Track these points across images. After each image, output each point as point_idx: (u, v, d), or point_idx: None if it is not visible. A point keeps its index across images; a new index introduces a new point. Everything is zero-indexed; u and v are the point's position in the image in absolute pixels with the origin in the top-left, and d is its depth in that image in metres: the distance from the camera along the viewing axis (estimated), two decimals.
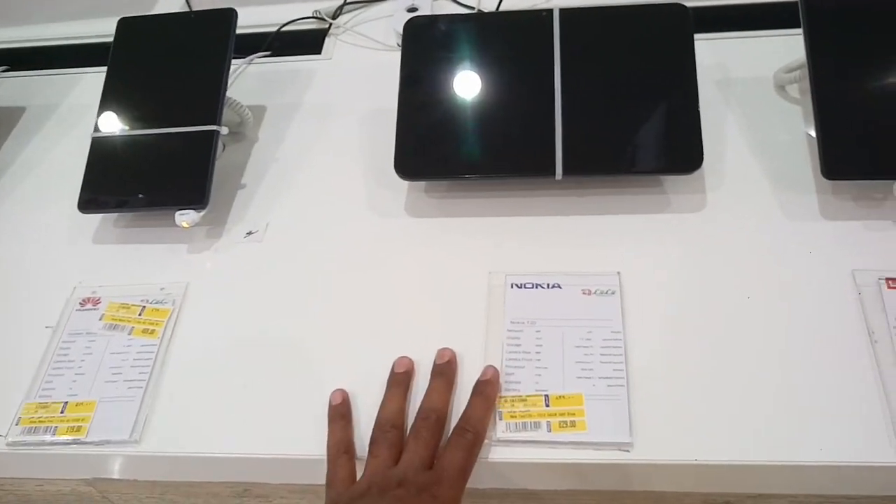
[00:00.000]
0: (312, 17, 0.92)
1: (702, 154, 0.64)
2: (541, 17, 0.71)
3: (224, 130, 0.71)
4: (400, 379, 0.57)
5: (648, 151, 0.65)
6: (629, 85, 0.67)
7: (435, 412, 0.54)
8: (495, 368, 0.57)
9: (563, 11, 0.71)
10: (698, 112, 0.65)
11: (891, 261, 0.61)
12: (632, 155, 0.65)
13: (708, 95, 0.75)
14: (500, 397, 0.56)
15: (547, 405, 0.56)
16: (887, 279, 0.60)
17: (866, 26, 0.66)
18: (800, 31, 0.67)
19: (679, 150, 0.65)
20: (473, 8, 0.90)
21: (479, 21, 0.73)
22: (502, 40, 0.71)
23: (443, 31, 0.72)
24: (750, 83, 0.76)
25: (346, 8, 0.93)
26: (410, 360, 0.59)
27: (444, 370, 0.57)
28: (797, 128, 0.72)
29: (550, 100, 0.67)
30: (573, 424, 0.55)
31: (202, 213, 0.68)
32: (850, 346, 0.57)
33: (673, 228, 0.66)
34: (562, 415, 0.55)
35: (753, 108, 0.74)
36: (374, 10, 0.93)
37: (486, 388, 0.55)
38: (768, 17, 0.83)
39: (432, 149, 0.68)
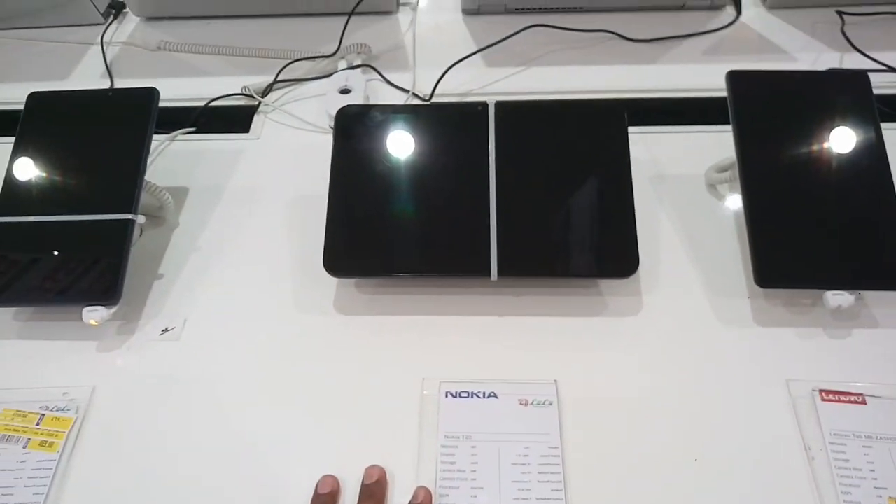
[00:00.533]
0: (241, 94, 0.89)
1: (637, 259, 0.64)
2: (476, 112, 0.70)
3: (141, 219, 0.67)
4: (323, 500, 0.53)
5: (584, 254, 0.64)
6: (566, 185, 0.66)
7: None
8: (427, 490, 0.54)
9: (498, 105, 0.70)
10: (634, 217, 0.65)
11: (823, 371, 0.61)
12: (567, 257, 0.64)
13: (642, 191, 0.75)
14: None
15: None
16: (821, 391, 0.60)
17: (796, 133, 0.67)
18: (730, 128, 0.68)
19: (615, 255, 0.64)
20: (408, 91, 0.89)
21: (415, 113, 0.71)
22: (437, 134, 0.69)
23: (376, 122, 0.70)
24: (682, 180, 0.77)
25: (277, 85, 0.90)
26: (335, 478, 0.55)
27: (374, 491, 0.54)
28: (728, 230, 0.72)
29: (485, 198, 0.66)
30: None
31: (113, 309, 0.63)
32: (788, 462, 0.56)
33: (609, 332, 0.65)
34: None
35: (686, 206, 0.74)
36: (305, 88, 0.91)
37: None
38: (698, 112, 0.85)
39: (363, 246, 0.65)
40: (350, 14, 0.95)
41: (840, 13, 0.95)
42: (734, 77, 0.70)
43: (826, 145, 0.67)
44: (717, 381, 0.61)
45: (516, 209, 0.65)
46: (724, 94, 0.70)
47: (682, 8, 0.99)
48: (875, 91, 0.69)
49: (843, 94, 0.69)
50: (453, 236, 0.65)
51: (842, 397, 0.59)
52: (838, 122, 0.68)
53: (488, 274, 0.63)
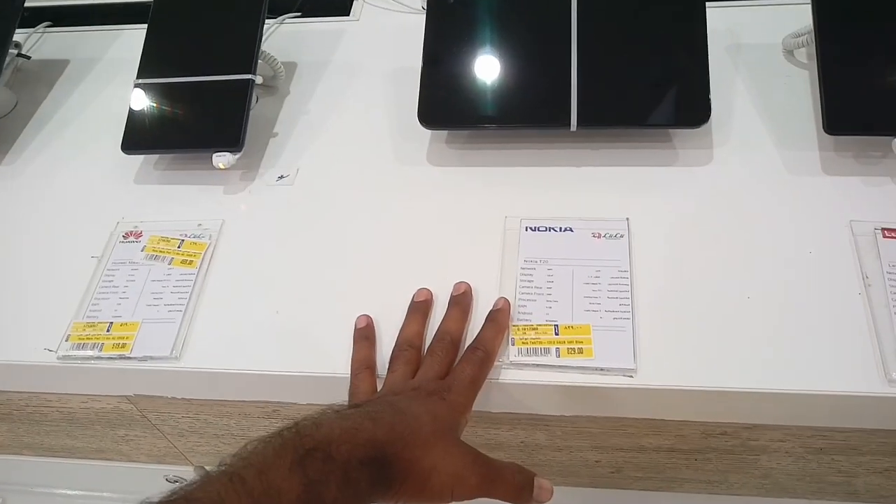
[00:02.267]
0: None
1: (709, 109, 0.68)
2: None
3: (258, 80, 0.75)
4: (419, 306, 0.62)
5: (660, 105, 0.69)
6: (643, 42, 0.71)
7: (450, 334, 0.59)
8: (506, 299, 0.61)
9: None
10: (707, 70, 0.69)
11: (888, 213, 0.65)
12: (644, 109, 0.69)
13: (718, 60, 0.78)
14: (513, 325, 0.60)
15: (556, 333, 0.60)
16: (883, 229, 0.63)
17: None
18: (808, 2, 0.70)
19: (688, 105, 0.68)
20: None
21: None
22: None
23: None
24: (759, 49, 0.80)
25: None
26: (429, 290, 0.63)
27: (460, 300, 0.62)
28: (804, 90, 0.75)
29: (567, 55, 0.71)
30: (580, 351, 0.59)
31: (238, 155, 0.73)
32: (845, 288, 0.60)
33: (680, 180, 0.70)
34: (570, 342, 0.59)
35: (762, 71, 0.77)
36: None
37: (498, 316, 0.60)
38: None
39: (454, 100, 0.72)
40: None
41: None
42: None
43: None
44: (782, 221, 0.65)
45: (596, 64, 0.70)
46: None
47: None
48: None
49: None
50: (536, 90, 0.71)
51: None
52: None
53: (568, 125, 0.69)
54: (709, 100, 0.68)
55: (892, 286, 0.60)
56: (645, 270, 0.63)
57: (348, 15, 0.94)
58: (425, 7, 0.77)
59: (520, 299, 0.62)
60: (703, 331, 0.59)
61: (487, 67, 0.72)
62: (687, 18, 0.71)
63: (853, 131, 0.66)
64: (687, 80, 0.69)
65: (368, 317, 0.62)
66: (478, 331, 0.59)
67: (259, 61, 0.78)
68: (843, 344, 0.57)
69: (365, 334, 0.61)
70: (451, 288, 0.63)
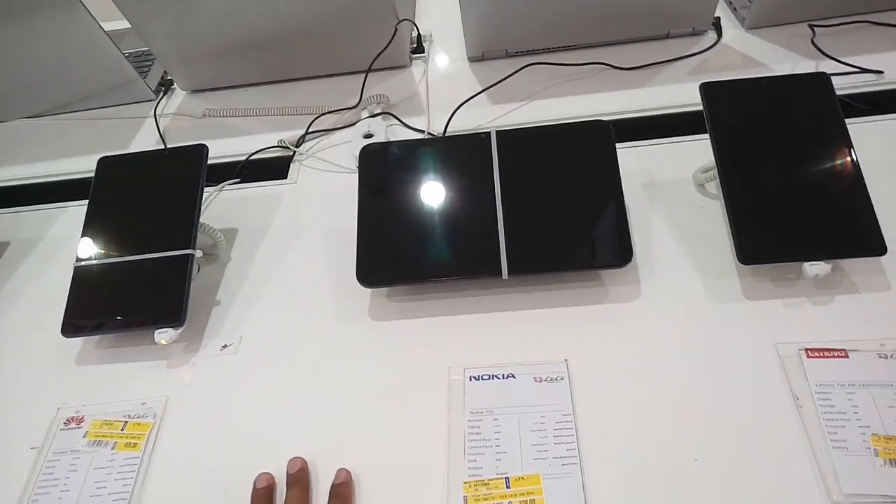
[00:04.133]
0: (278, 147, 1.01)
1: (631, 249, 0.72)
2: (480, 139, 0.80)
3: (199, 253, 0.77)
4: (261, 493, 0.62)
5: (583, 250, 0.72)
6: (562, 193, 0.75)
7: None
8: (348, 471, 0.63)
9: (499, 133, 0.80)
10: (625, 212, 0.73)
11: (809, 333, 0.68)
12: (568, 253, 0.73)
13: (636, 197, 0.84)
14: (465, 482, 0.61)
15: (508, 487, 0.60)
16: (807, 349, 0.66)
17: (765, 127, 0.76)
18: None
19: (611, 247, 0.72)
20: (423, 131, 1.00)
21: (427, 145, 0.82)
22: (448, 160, 0.79)
23: (395, 155, 0.81)
24: (673, 184, 0.85)
25: (309, 137, 1.02)
26: (270, 475, 0.64)
27: (300, 477, 0.62)
28: (718, 221, 0.80)
29: (493, 210, 0.75)
30: (533, 503, 0.59)
31: (180, 330, 0.73)
32: (778, 413, 0.63)
33: (612, 316, 0.73)
34: (522, 494, 0.60)
35: (677, 205, 0.83)
36: (334, 137, 1.02)
37: (342, 489, 0.61)
38: (686, 125, 0.93)
39: (390, 259, 0.75)
40: (368, 71, 1.06)
41: (811, 26, 1.04)
42: (706, 87, 0.79)
43: (793, 135, 0.75)
44: (711, 349, 0.68)
45: (520, 217, 0.74)
46: None
47: (667, 36, 1.09)
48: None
49: (806, 92, 0.78)
50: (467, 245, 0.74)
51: (826, 353, 0.66)
52: (803, 115, 0.76)
53: (500, 273, 0.72)
54: (630, 241, 0.72)
55: (822, 405, 0.62)
56: (587, 412, 0.65)
57: (286, 178, 0.97)
58: (358, 168, 0.81)
59: (469, 453, 0.63)
60: (649, 469, 0.60)
61: (419, 224, 0.76)
62: (602, 167, 0.76)
63: (765, 260, 0.71)
64: (607, 223, 0.73)
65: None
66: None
67: (199, 233, 0.80)
68: (784, 470, 0.59)
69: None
70: (389, 451, 0.64)
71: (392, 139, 1.00)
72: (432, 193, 0.77)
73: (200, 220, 0.81)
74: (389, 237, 0.76)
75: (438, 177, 0.79)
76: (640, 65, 1.05)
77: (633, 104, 0.99)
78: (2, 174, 1.08)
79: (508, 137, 0.80)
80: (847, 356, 0.65)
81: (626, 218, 0.73)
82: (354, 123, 1.02)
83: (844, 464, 0.58)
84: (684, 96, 0.98)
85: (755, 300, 0.72)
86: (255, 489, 0.62)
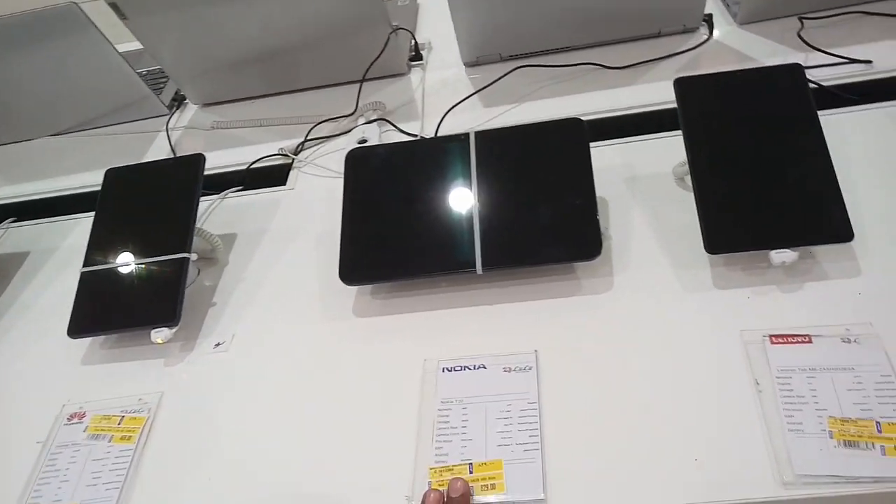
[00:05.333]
0: (278, 154, 1.05)
1: (600, 242, 0.74)
2: (460, 141, 0.83)
3: (193, 257, 0.82)
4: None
5: (554, 243, 0.75)
6: (535, 189, 0.78)
7: None
8: (465, 482, 0.61)
9: (477, 134, 0.83)
10: (595, 205, 0.75)
11: (775, 320, 0.69)
12: (539, 247, 0.75)
13: (617, 192, 0.86)
14: (430, 468, 0.63)
15: (470, 472, 0.63)
16: (771, 336, 0.67)
17: (737, 119, 0.77)
18: None
19: (580, 241, 0.74)
20: (416, 135, 1.03)
21: (409, 148, 0.85)
22: (428, 162, 0.82)
23: (379, 158, 0.84)
24: (653, 178, 0.87)
25: (307, 144, 1.06)
26: (440, 493, 0.61)
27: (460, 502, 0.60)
28: (694, 213, 0.81)
29: (470, 207, 0.78)
30: (493, 487, 0.61)
31: (175, 329, 0.78)
32: (739, 396, 0.64)
33: (584, 307, 0.74)
34: (483, 479, 0.62)
35: (656, 199, 0.84)
36: (331, 144, 1.06)
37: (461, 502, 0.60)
38: (672, 122, 0.94)
39: (372, 257, 0.78)
40: (362, 80, 1.10)
41: (801, 19, 1.04)
42: (680, 83, 0.81)
43: (764, 126, 0.76)
44: (678, 337, 0.69)
45: (495, 214, 0.77)
46: None
47: (658, 35, 1.10)
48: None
49: (779, 83, 0.79)
50: (445, 242, 0.77)
51: (790, 339, 0.67)
52: (775, 106, 0.77)
53: (474, 268, 0.75)
54: (599, 234, 0.74)
55: (781, 389, 0.63)
56: (552, 399, 0.67)
57: (285, 185, 1.02)
58: None
59: (437, 441, 0.66)
60: (609, 453, 0.62)
61: (400, 223, 0.79)
62: (573, 161, 0.78)
63: (732, 248, 0.72)
64: (577, 217, 0.75)
65: (440, 494, 0.61)
66: None
67: (196, 238, 0.85)
68: (739, 452, 0.60)
69: None
70: (377, 433, 0.67)
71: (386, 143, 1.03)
72: (413, 193, 0.80)
73: (201, 226, 0.86)
74: (371, 236, 0.79)
75: (419, 177, 0.82)
76: (629, 64, 1.06)
77: (621, 102, 1.00)
78: (26, 188, 1.15)
79: (486, 138, 0.83)
80: (811, 342, 0.66)
81: (596, 212, 0.75)
82: (350, 130, 1.06)
83: (798, 445, 0.59)
84: (671, 93, 0.99)
85: (724, 289, 0.73)
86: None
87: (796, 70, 0.79)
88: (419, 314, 0.78)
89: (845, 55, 0.97)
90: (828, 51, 0.98)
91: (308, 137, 1.07)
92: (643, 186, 0.86)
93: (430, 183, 0.81)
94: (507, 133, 0.83)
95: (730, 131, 0.77)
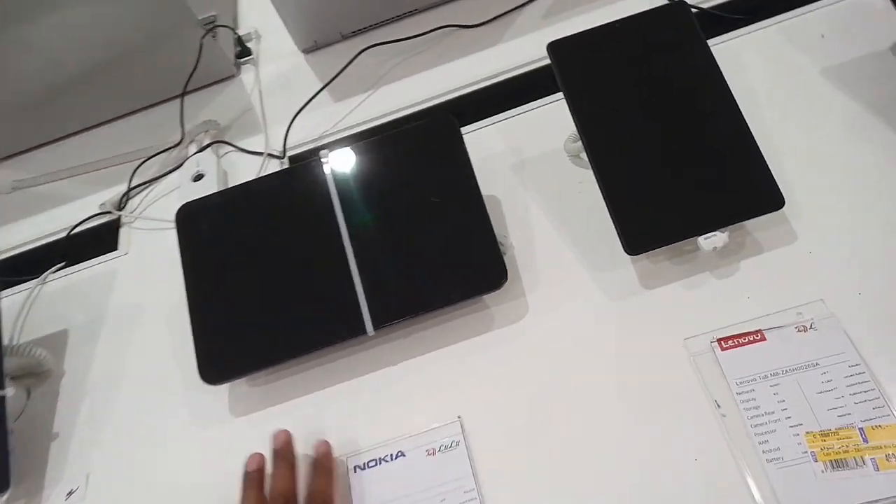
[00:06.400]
0: (99, 214, 0.86)
1: (504, 266, 0.61)
2: (311, 168, 0.68)
3: (9, 392, 0.64)
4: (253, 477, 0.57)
5: (451, 278, 0.62)
6: (415, 213, 0.64)
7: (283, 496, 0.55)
8: (328, 442, 0.59)
9: (332, 155, 0.68)
10: (489, 225, 0.63)
11: (719, 315, 0.59)
12: (436, 288, 0.62)
13: (506, 184, 0.73)
14: None
15: None
16: (719, 340, 0.58)
17: (629, 86, 0.65)
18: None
19: (479, 269, 0.62)
20: (262, 153, 0.87)
21: (251, 190, 0.69)
22: (279, 203, 0.67)
23: (216, 209, 0.68)
24: (544, 159, 0.75)
25: (133, 192, 0.88)
26: (261, 455, 0.58)
27: (285, 452, 0.58)
28: (599, 198, 0.70)
29: (342, 254, 0.64)
30: None
31: (4, 496, 0.61)
32: (701, 425, 0.54)
33: (500, 344, 0.63)
34: None
35: (552, 186, 0.72)
36: (162, 185, 0.88)
37: (324, 462, 0.57)
38: (547, 82, 0.82)
39: (235, 342, 0.63)
40: (182, 94, 0.92)
41: None
42: (554, 48, 0.68)
43: (660, 89, 0.64)
44: (615, 358, 0.60)
45: (374, 256, 0.63)
46: None
47: None
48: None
49: (664, 29, 0.67)
50: (321, 305, 0.63)
51: (740, 340, 0.57)
52: (667, 62, 0.65)
53: (364, 331, 0.61)
54: (500, 256, 0.62)
55: (746, 407, 0.54)
56: (493, 478, 0.56)
57: (116, 248, 0.84)
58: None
59: None
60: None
61: (261, 292, 0.64)
62: (452, 171, 0.65)
63: (654, 244, 0.61)
64: (471, 241, 0.63)
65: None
66: None
67: (11, 359, 0.67)
68: (717, 496, 0.51)
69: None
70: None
71: (229, 171, 0.86)
72: (267, 249, 0.65)
73: (15, 338, 0.68)
74: (229, 317, 0.64)
75: (271, 226, 0.66)
76: (487, 19, 0.92)
77: (489, 68, 0.87)
78: None
79: (342, 159, 0.68)
80: (764, 338, 0.57)
81: (491, 229, 0.63)
82: (183, 164, 0.88)
83: (782, 479, 0.50)
84: (541, 48, 0.86)
85: (654, 288, 0.63)
86: (246, 472, 0.57)
87: (681, 9, 0.67)
88: (311, 396, 0.64)
89: None
90: None
91: (132, 185, 0.88)
92: (534, 172, 0.74)
93: (286, 231, 0.66)
94: (365, 148, 0.69)
95: (623, 100, 0.65)
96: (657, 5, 0.70)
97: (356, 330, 0.61)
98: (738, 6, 0.82)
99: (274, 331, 0.63)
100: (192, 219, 0.68)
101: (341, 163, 0.67)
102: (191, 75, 0.91)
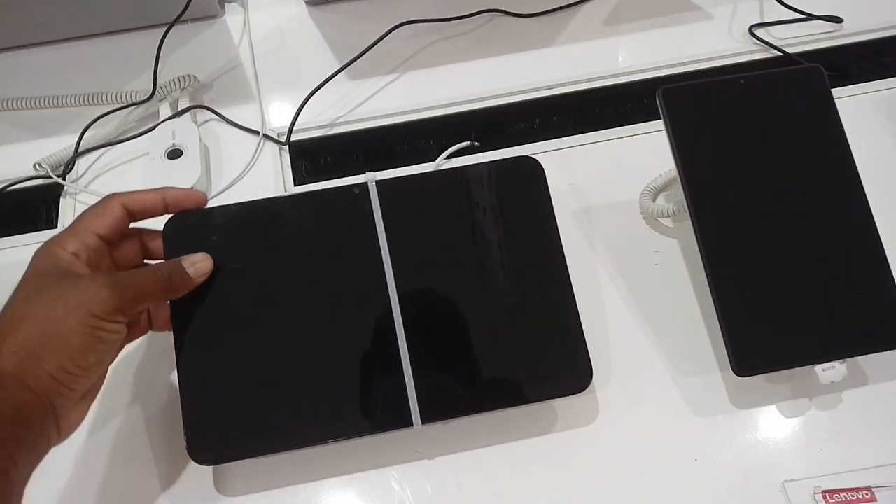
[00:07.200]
0: (35, 177, 0.67)
1: (590, 367, 0.50)
2: (352, 198, 0.53)
3: None
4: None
5: (526, 373, 0.50)
6: (485, 280, 0.51)
7: None
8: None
9: (380, 185, 0.53)
10: (576, 312, 0.51)
11: (822, 459, 0.52)
12: (506, 381, 0.50)
13: (567, 234, 0.57)
14: None
15: None
16: (824, 492, 0.50)
17: (753, 167, 0.55)
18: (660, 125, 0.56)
19: (561, 368, 0.50)
20: (258, 132, 0.70)
21: (272, 211, 0.53)
22: (306, 239, 0.52)
23: (221, 234, 0.52)
24: (614, 214, 0.64)
25: (82, 154, 0.69)
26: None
27: None
28: (680, 274, 0.60)
29: (388, 316, 0.50)
30: None
31: None
32: None
33: (565, 449, 0.52)
34: None
35: (625, 252, 0.61)
36: (122, 149, 0.70)
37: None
38: (614, 103, 0.71)
39: (237, 414, 0.49)
40: (160, 47, 0.71)
41: None
42: (668, 95, 0.56)
43: (789, 175, 0.54)
44: (702, 492, 0.50)
45: (430, 328, 0.50)
46: (643, 75, 0.71)
47: None
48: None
49: (797, 99, 0.56)
50: (354, 381, 0.49)
51: (847, 496, 0.50)
52: (799, 142, 0.55)
53: (409, 423, 0.49)
54: (587, 355, 0.51)
55: None
56: None
57: (56, 226, 0.65)
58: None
59: None
60: None
61: (275, 355, 0.50)
62: (536, 233, 0.53)
63: (766, 367, 0.52)
64: (554, 332, 0.51)
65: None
66: None
67: None
68: None
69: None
70: None
71: (212, 150, 0.69)
72: (288, 299, 0.51)
73: None
74: (232, 382, 0.49)
75: (295, 268, 0.52)
76: (542, 10, 0.78)
77: (541, 74, 0.74)
78: None
79: (395, 192, 0.53)
80: (874, 497, 0.50)
81: (577, 316, 0.51)
82: (155, 127, 0.69)
83: None
84: (605, 58, 0.74)
85: (748, 408, 0.54)
86: None
87: (817, 76, 0.57)
88: (315, 485, 0.51)
89: (807, 10, 0.76)
90: (787, 2, 0.77)
91: (81, 146, 0.68)
92: (602, 229, 0.63)
93: (315, 275, 0.51)
94: (428, 182, 0.55)
95: (745, 181, 0.54)
96: (789, 68, 0.60)
97: (399, 421, 0.49)
98: (814, 56, 0.74)
99: (290, 406, 0.49)
100: (184, 236, 0.51)
101: (391, 195, 0.53)
102: (178, 18, 0.71)
